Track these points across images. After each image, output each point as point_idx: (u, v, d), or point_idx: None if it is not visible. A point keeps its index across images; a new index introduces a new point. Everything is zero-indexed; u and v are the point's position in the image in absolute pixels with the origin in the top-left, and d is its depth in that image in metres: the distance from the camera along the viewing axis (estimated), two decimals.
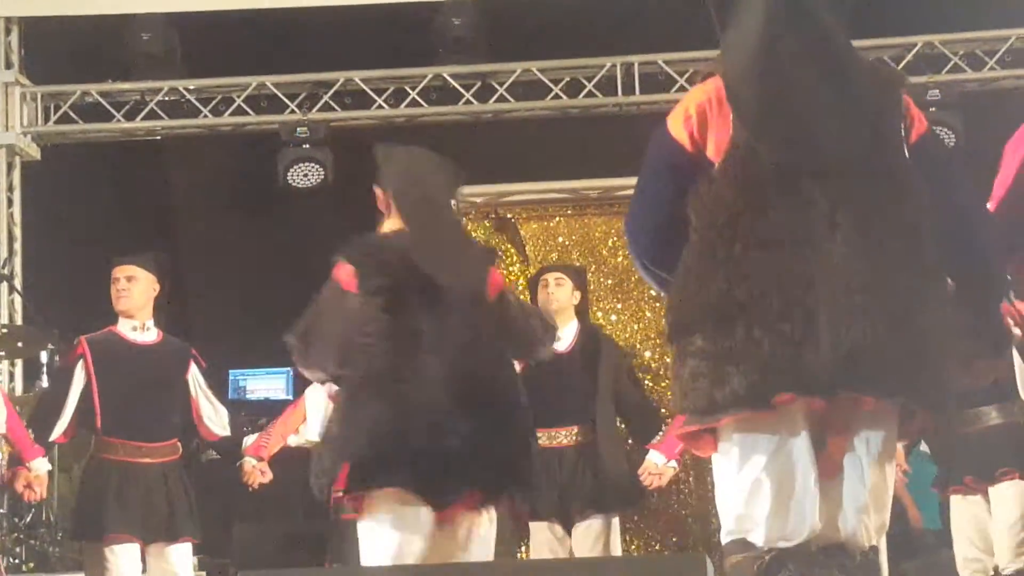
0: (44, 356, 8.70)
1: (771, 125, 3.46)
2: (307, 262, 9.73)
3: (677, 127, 3.59)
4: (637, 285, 9.82)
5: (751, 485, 3.43)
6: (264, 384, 7.29)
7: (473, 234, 9.49)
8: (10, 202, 9.88)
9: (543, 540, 6.61)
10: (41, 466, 6.37)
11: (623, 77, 9.81)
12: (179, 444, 6.55)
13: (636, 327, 9.81)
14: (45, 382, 8.72)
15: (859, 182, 3.43)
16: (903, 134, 3.56)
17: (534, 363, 6.17)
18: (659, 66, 9.81)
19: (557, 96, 9.85)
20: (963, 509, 6.22)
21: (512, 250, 9.67)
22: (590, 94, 9.83)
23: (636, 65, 9.80)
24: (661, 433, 6.78)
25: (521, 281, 9.41)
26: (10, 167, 9.91)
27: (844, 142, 3.44)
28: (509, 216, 9.79)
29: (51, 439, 6.42)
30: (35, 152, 10.04)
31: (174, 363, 6.61)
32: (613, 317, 9.65)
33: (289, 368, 10.05)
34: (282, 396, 9.78)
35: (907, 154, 3.56)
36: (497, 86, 9.86)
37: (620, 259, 9.87)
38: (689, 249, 3.51)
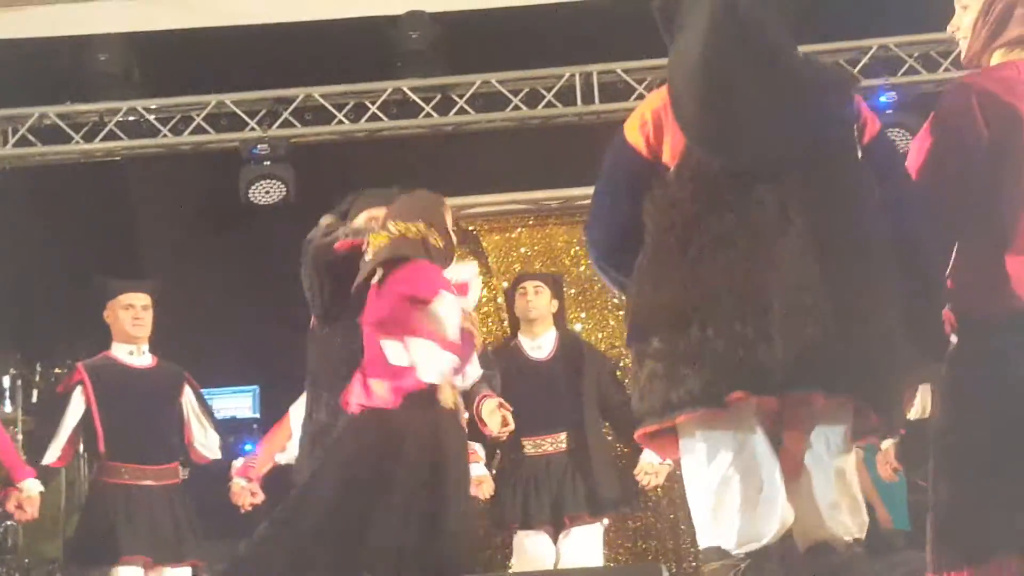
0: (6, 380, 8.67)
1: (711, 131, 3.51)
2: (271, 279, 9.77)
3: (633, 133, 3.65)
4: (600, 294, 9.83)
5: (719, 483, 3.48)
6: (230, 403, 7.30)
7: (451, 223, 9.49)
8: None
9: (532, 547, 6.61)
10: (32, 487, 6.41)
11: (582, 87, 9.82)
12: (179, 467, 6.60)
13: (600, 335, 9.82)
14: (7, 406, 8.70)
15: (810, 183, 3.48)
16: (855, 135, 3.61)
17: (515, 372, 6.21)
18: (618, 75, 9.83)
19: (517, 107, 9.85)
20: None
21: (474, 262, 9.68)
22: (550, 104, 9.84)
23: (595, 74, 9.81)
24: None
25: (484, 292, 9.41)
26: None
27: (789, 145, 3.49)
28: (471, 228, 9.79)
29: (44, 463, 6.46)
30: None
31: (170, 386, 6.70)
32: (578, 326, 9.65)
33: (256, 386, 10.06)
34: (249, 414, 9.78)
35: (859, 155, 3.60)
36: (457, 98, 9.86)
37: (583, 268, 9.88)
38: (644, 252, 3.57)
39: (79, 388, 6.52)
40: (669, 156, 3.58)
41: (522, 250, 10.02)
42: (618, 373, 7.66)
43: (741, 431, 3.46)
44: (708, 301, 3.41)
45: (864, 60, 9.65)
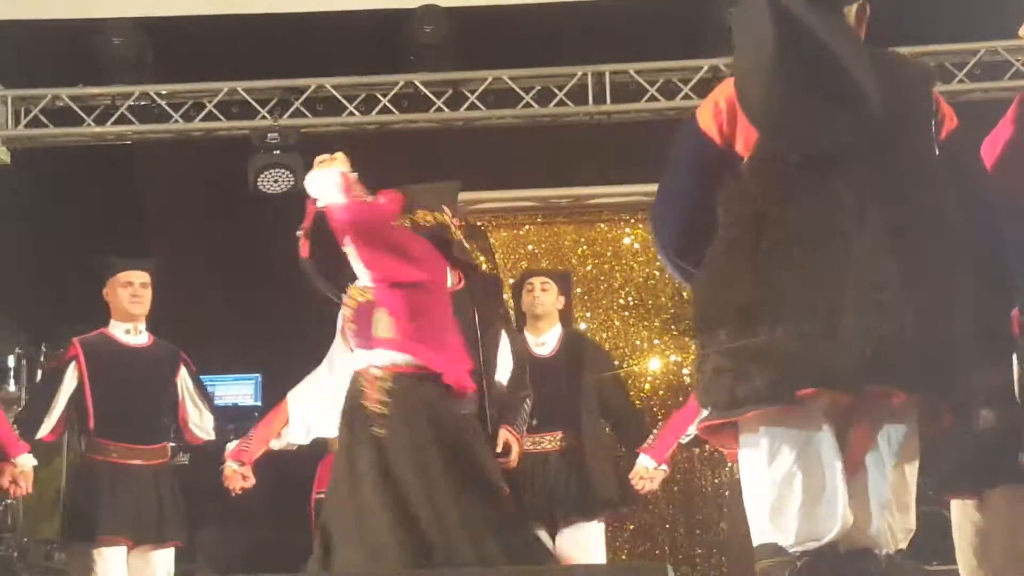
0: (11, 360, 8.69)
1: (778, 125, 3.46)
2: (276, 268, 9.78)
3: (707, 120, 3.60)
4: (606, 294, 9.85)
5: (783, 478, 3.44)
6: (232, 390, 7.30)
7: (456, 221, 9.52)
8: None
9: None
10: (27, 461, 6.42)
11: (594, 86, 9.82)
12: (169, 447, 6.60)
13: (605, 335, 9.84)
14: (12, 386, 8.72)
15: (888, 178, 3.44)
16: (933, 130, 3.56)
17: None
18: (630, 76, 9.83)
19: (528, 104, 9.86)
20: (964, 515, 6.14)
21: (482, 257, 9.68)
22: (561, 103, 9.84)
23: (607, 74, 9.81)
24: (652, 437, 6.79)
25: None
26: None
27: (867, 140, 3.44)
28: (479, 223, 9.80)
29: (37, 437, 6.47)
30: (5, 156, 10.00)
31: (165, 366, 6.70)
32: (583, 326, 9.67)
33: (258, 374, 10.07)
34: (250, 402, 9.79)
35: (937, 151, 3.55)
36: (468, 94, 9.87)
37: (589, 268, 9.90)
38: (716, 244, 3.52)
39: (73, 364, 6.52)
40: (743, 146, 3.53)
41: (529, 247, 10.04)
42: (620, 373, 7.66)
43: (807, 429, 3.42)
44: (779, 297, 3.38)
45: (972, 63, 9.61)
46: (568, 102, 9.84)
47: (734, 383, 3.41)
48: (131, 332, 6.64)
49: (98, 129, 9.96)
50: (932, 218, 3.46)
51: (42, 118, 9.98)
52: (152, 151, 10.27)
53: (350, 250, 5.33)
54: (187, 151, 10.22)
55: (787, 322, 3.35)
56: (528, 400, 6.04)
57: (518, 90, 9.87)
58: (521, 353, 6.03)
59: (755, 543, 3.53)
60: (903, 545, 3.53)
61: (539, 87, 9.90)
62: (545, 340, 6.98)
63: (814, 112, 3.45)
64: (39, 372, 9.00)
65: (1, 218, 9.83)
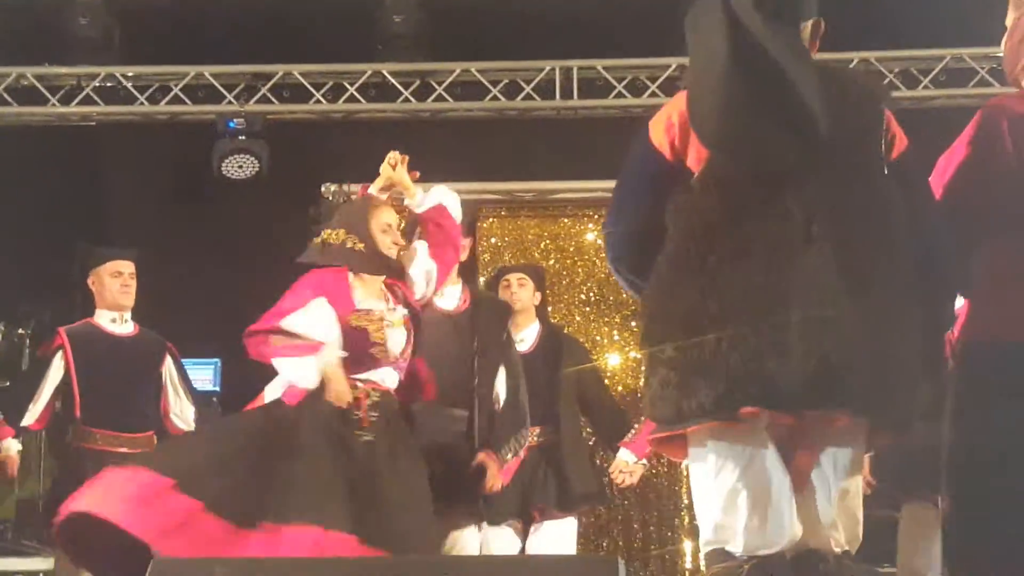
0: None
1: (727, 143, 3.47)
2: (239, 253, 9.76)
3: (658, 134, 3.61)
4: (568, 289, 9.87)
5: (727, 494, 3.46)
6: (192, 375, 7.28)
7: (384, 225, 9.50)
8: None
9: (496, 541, 6.60)
10: (12, 446, 6.44)
11: (562, 81, 9.84)
12: (155, 437, 6.60)
13: (566, 331, 9.85)
14: None
15: (836, 196, 3.43)
16: (883, 149, 3.56)
17: None
18: (598, 71, 9.86)
19: (495, 98, 9.87)
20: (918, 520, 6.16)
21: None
22: (528, 97, 9.86)
23: (575, 70, 9.84)
24: (633, 432, 6.81)
25: None
26: None
27: (816, 158, 3.43)
28: None
29: (23, 424, 6.47)
30: None
31: (150, 355, 6.71)
32: None
33: (217, 359, 10.04)
34: (209, 387, 9.76)
35: (886, 170, 3.55)
36: (436, 85, 9.87)
37: (552, 263, 9.91)
38: (664, 257, 3.53)
39: (59, 353, 6.54)
40: (694, 160, 3.53)
41: (492, 240, 10.05)
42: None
43: (751, 445, 3.43)
44: (725, 312, 3.37)
45: (936, 69, 9.67)
46: (535, 96, 9.87)
47: (679, 397, 3.42)
48: (117, 321, 6.66)
49: (62, 109, 9.92)
50: (879, 237, 3.46)
51: (6, 96, 9.92)
52: (116, 133, 10.23)
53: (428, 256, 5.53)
54: (152, 134, 10.19)
55: (732, 337, 3.35)
56: (522, 431, 6.04)
57: (486, 83, 9.88)
58: (517, 385, 6.05)
59: (703, 551, 3.56)
60: (850, 549, 3.54)
61: (507, 80, 9.92)
62: (524, 336, 6.98)
63: (763, 132, 3.45)
64: None
65: None
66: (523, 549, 6.54)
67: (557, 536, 6.55)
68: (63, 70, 9.93)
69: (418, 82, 9.89)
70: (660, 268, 3.53)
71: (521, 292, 6.87)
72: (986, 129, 3.75)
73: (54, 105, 9.91)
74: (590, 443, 7.81)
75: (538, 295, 6.95)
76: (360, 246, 5.28)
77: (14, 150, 10.00)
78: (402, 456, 5.14)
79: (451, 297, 5.89)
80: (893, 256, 3.47)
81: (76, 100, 9.91)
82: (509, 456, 5.86)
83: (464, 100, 9.91)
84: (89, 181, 10.22)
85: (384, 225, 5.37)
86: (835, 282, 3.36)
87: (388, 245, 5.36)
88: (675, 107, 3.61)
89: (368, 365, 5.19)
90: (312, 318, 5.13)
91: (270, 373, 6.61)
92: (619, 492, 8.67)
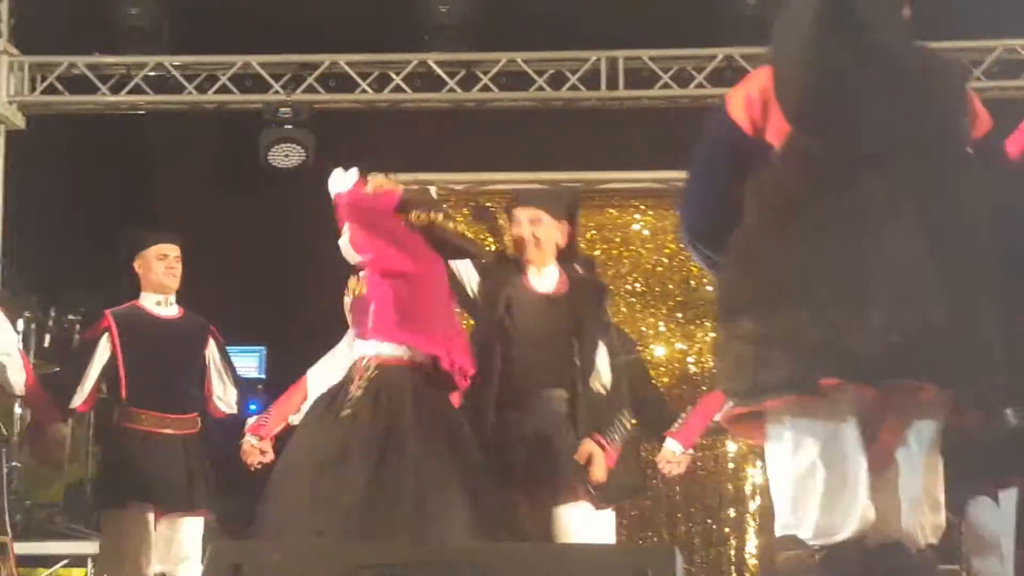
0: (20, 324, 8.73)
1: (815, 118, 3.45)
2: (285, 242, 9.81)
3: (737, 109, 3.58)
4: (613, 280, 9.86)
5: (804, 470, 3.41)
6: (237, 362, 7.33)
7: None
8: None
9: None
10: (62, 431, 6.49)
11: (607, 71, 9.83)
12: (199, 418, 6.66)
13: (614, 320, 9.86)
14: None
15: (921, 172, 3.41)
16: (967, 128, 3.54)
17: None
18: (643, 62, 9.84)
19: (540, 88, 9.87)
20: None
21: (491, 239, 9.72)
22: (573, 87, 9.86)
23: (621, 60, 9.82)
24: (680, 422, 6.79)
25: None
26: None
27: (901, 133, 3.42)
28: (489, 205, 9.82)
29: (71, 407, 6.54)
30: (20, 122, 10.05)
31: (194, 338, 6.77)
32: None
33: (262, 347, 10.11)
34: (255, 374, 9.83)
35: (970, 149, 3.52)
36: (481, 75, 9.89)
37: (598, 253, 9.90)
38: (742, 232, 3.50)
39: (105, 335, 6.60)
40: (774, 135, 3.49)
41: None
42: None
43: (832, 420, 3.38)
44: (805, 285, 3.34)
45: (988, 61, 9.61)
46: (581, 86, 9.86)
47: (756, 371, 3.37)
48: (162, 304, 6.72)
49: (112, 98, 10.00)
50: (965, 215, 3.42)
51: (58, 85, 10.02)
52: (164, 122, 10.31)
53: (344, 236, 5.47)
54: (199, 123, 10.26)
55: (812, 309, 3.31)
56: (625, 413, 6.01)
57: (531, 73, 9.88)
58: (619, 364, 6.02)
59: (776, 535, 3.52)
60: (933, 541, 3.49)
61: (552, 71, 9.91)
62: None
63: (852, 112, 3.44)
64: (47, 337, 9.06)
65: (14, 183, 9.88)
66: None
67: (587, 520, 6.43)
68: (113, 59, 10.02)
69: (463, 72, 9.90)
70: (739, 242, 3.50)
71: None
72: None
73: (104, 94, 10.00)
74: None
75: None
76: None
77: (64, 138, 10.10)
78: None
79: (549, 279, 5.87)
80: (978, 234, 3.43)
81: (125, 89, 9.99)
82: (616, 438, 5.83)
83: (509, 90, 9.92)
84: (137, 170, 10.31)
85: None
86: (919, 256, 3.33)
87: None
88: (755, 82, 3.58)
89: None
90: None
91: (313, 360, 6.69)
92: (665, 483, 8.67)
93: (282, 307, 9.59)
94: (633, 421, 6.99)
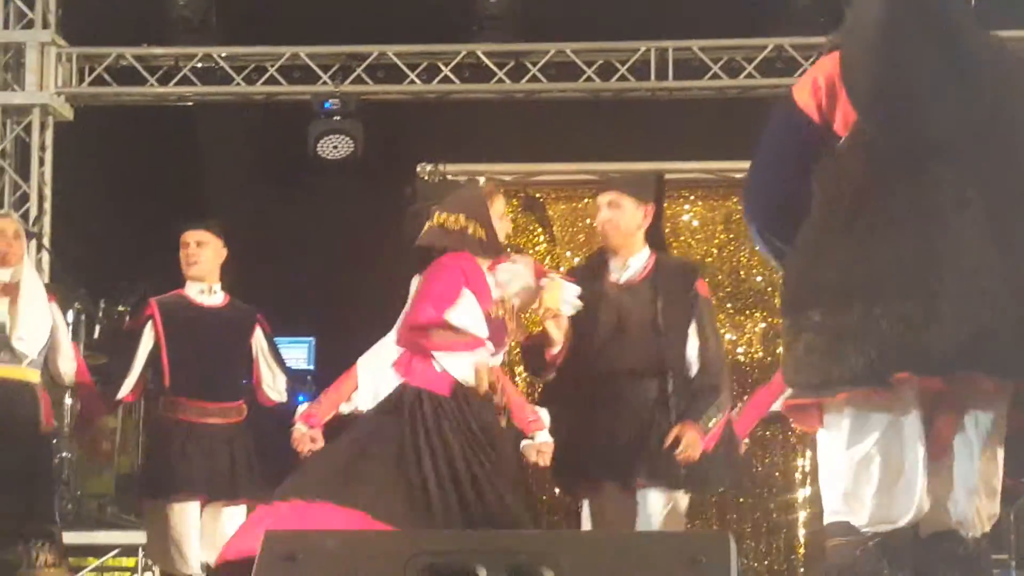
0: (71, 315, 8.75)
1: (883, 107, 3.41)
2: (333, 233, 9.82)
3: (804, 97, 3.54)
4: None
5: (860, 460, 3.40)
6: (286, 353, 7.32)
7: (500, 212, 9.51)
8: (42, 161, 9.92)
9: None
10: (110, 423, 6.49)
11: (657, 62, 9.79)
12: (244, 406, 6.65)
13: None
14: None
15: (989, 164, 3.37)
16: None
17: None
18: (693, 52, 9.80)
19: (590, 79, 9.84)
20: None
21: (540, 229, 9.68)
22: (623, 78, 9.82)
23: (670, 50, 9.78)
24: (736, 412, 6.73)
25: (547, 260, 9.41)
26: (43, 127, 9.96)
27: (965, 124, 3.38)
28: (538, 195, 9.77)
29: (118, 397, 6.54)
30: (68, 113, 10.09)
31: (240, 326, 6.74)
32: None
33: (311, 338, 10.13)
34: (304, 365, 9.85)
35: None
36: (530, 66, 9.86)
37: None
38: (810, 222, 3.47)
39: (149, 324, 6.59)
40: (841, 124, 3.46)
41: (587, 221, 9.99)
42: None
43: (894, 412, 3.37)
44: (875, 278, 3.31)
45: None
46: (630, 77, 9.83)
47: (828, 363, 3.35)
48: (205, 292, 6.69)
49: (160, 89, 10.03)
50: None
51: (106, 76, 10.05)
52: (213, 113, 10.32)
53: None
54: (247, 114, 10.28)
55: (884, 303, 3.29)
56: (717, 395, 5.96)
57: (580, 63, 9.85)
58: (710, 347, 5.97)
59: (826, 521, 3.51)
60: (987, 529, 3.47)
61: (601, 61, 9.88)
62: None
63: (921, 100, 3.40)
64: (96, 329, 9.09)
65: (63, 174, 9.92)
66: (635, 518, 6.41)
67: (665, 506, 6.31)
68: (161, 51, 10.05)
69: (512, 63, 9.88)
70: (806, 233, 3.47)
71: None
72: None
73: (152, 85, 10.02)
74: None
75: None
76: (482, 233, 5.32)
77: (112, 130, 10.13)
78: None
79: (632, 267, 5.82)
80: None
81: (174, 80, 10.01)
82: (712, 423, 5.79)
83: (558, 81, 9.90)
84: (186, 160, 10.34)
85: (501, 213, 5.46)
86: (987, 248, 3.31)
87: (504, 233, 5.47)
88: (821, 69, 3.55)
89: (498, 351, 5.35)
90: (468, 312, 5.24)
91: (363, 350, 6.67)
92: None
93: (331, 297, 9.59)
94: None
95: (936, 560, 3.39)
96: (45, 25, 9.97)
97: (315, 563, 3.26)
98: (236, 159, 10.35)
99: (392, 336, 6.32)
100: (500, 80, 9.86)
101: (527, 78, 9.86)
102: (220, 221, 6.79)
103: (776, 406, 6.19)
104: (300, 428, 6.69)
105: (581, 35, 9.88)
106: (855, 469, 3.40)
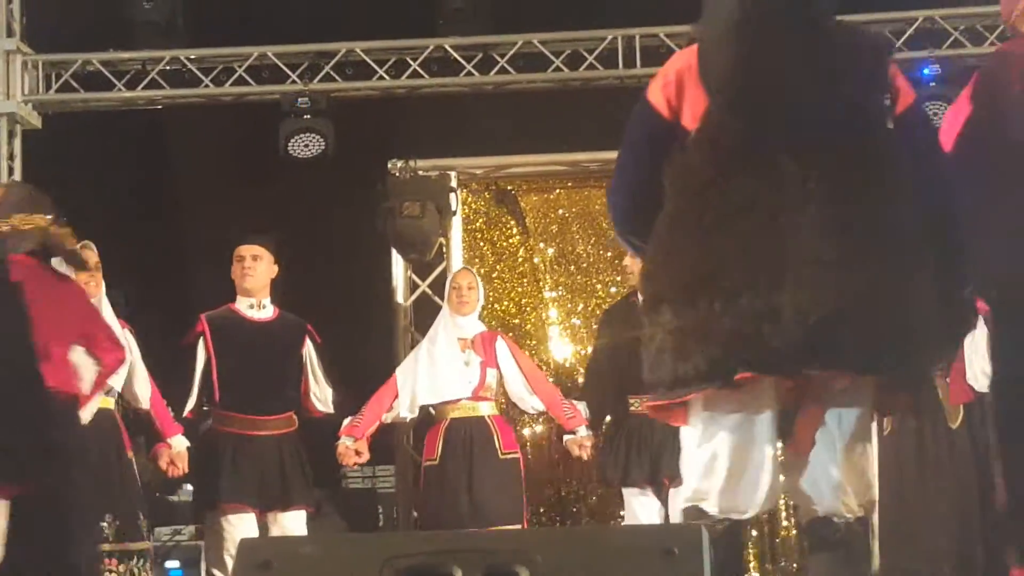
0: None
1: (738, 96, 3.41)
2: (307, 232, 9.78)
3: (655, 92, 3.55)
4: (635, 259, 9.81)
5: (708, 460, 3.45)
6: None
7: (473, 205, 9.51)
8: (11, 170, 9.86)
9: (637, 505, 6.64)
10: (181, 443, 6.54)
11: (624, 50, 9.78)
12: (295, 416, 6.68)
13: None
14: None
15: (836, 153, 3.36)
16: (887, 105, 3.48)
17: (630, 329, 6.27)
18: (660, 39, 9.78)
19: (558, 68, 9.83)
20: None
21: (512, 222, 9.69)
22: (591, 67, 9.82)
23: (637, 38, 9.77)
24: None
25: (521, 252, 9.42)
26: (11, 135, 9.89)
27: (817, 114, 3.38)
28: (509, 188, 9.79)
29: (184, 415, 6.56)
30: (36, 120, 10.03)
31: (290, 338, 6.80)
32: (612, 289, 9.66)
33: None
34: None
35: (891, 125, 3.48)
36: (498, 58, 9.85)
37: None
38: (661, 218, 3.46)
39: (201, 339, 6.63)
40: (689, 119, 3.46)
41: (560, 211, 10.02)
42: None
43: (746, 411, 3.39)
44: (719, 273, 3.29)
45: (908, 31, 9.58)
46: (598, 66, 9.82)
47: (677, 362, 3.35)
48: (255, 307, 6.74)
49: (128, 94, 9.98)
50: (882, 194, 3.36)
51: (73, 83, 10.00)
52: (182, 116, 10.30)
53: None
54: (217, 116, 10.25)
55: (726, 299, 3.26)
56: None
57: (548, 54, 9.84)
58: None
59: (681, 506, 3.57)
60: (862, 515, 3.48)
61: (569, 51, 9.88)
62: None
63: (769, 91, 3.40)
64: None
65: (32, 181, 9.86)
66: (666, 515, 6.54)
67: None
68: (128, 55, 10.00)
69: (480, 55, 9.87)
70: (658, 229, 3.46)
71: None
72: (990, 77, 3.69)
73: (120, 90, 9.98)
74: None
75: None
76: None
77: (82, 135, 10.10)
78: None
79: None
80: (897, 212, 3.37)
81: (142, 84, 9.97)
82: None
83: (527, 72, 9.89)
84: (156, 164, 10.31)
85: None
86: (832, 240, 3.28)
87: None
88: (671, 65, 3.56)
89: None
90: None
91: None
92: None
93: (303, 297, 9.56)
94: None
95: (814, 544, 3.44)
96: (10, 33, 9.91)
97: (290, 570, 3.26)
98: (207, 161, 10.33)
99: (425, 342, 6.51)
100: (469, 73, 9.85)
101: (496, 70, 9.84)
102: (277, 236, 6.82)
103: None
104: (345, 442, 6.78)
105: (548, 25, 9.87)
106: (705, 466, 3.46)
